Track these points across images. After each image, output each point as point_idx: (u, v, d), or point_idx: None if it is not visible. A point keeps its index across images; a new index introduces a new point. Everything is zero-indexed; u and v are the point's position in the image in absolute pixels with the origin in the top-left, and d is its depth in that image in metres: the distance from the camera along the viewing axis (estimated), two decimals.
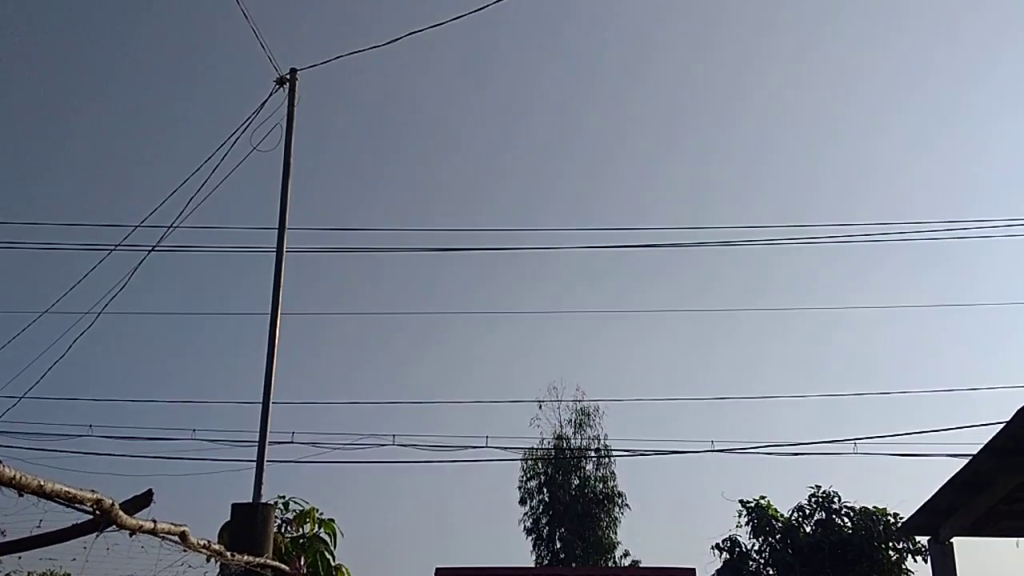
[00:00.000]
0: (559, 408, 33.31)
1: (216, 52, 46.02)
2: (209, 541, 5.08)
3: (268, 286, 11.97)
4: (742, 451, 21.13)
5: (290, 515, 16.12)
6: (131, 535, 3.85)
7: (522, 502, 32.68)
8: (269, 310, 11.81)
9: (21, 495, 2.90)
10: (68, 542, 3.52)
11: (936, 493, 11.63)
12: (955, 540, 12.51)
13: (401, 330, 46.23)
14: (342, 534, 16.53)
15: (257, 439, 11.31)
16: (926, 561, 18.76)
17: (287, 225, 12.19)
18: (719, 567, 22.36)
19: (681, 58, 50.28)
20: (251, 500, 10.54)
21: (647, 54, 49.58)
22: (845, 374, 41.59)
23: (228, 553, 5.81)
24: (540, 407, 32.82)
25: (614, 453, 32.02)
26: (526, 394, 40.08)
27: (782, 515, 22.52)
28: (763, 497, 22.77)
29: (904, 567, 21.47)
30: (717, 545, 22.56)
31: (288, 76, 12.64)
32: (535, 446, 32.50)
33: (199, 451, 19.46)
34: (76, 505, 3.30)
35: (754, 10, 47.92)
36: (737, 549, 22.42)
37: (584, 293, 40.90)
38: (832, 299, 46.53)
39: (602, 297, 42.07)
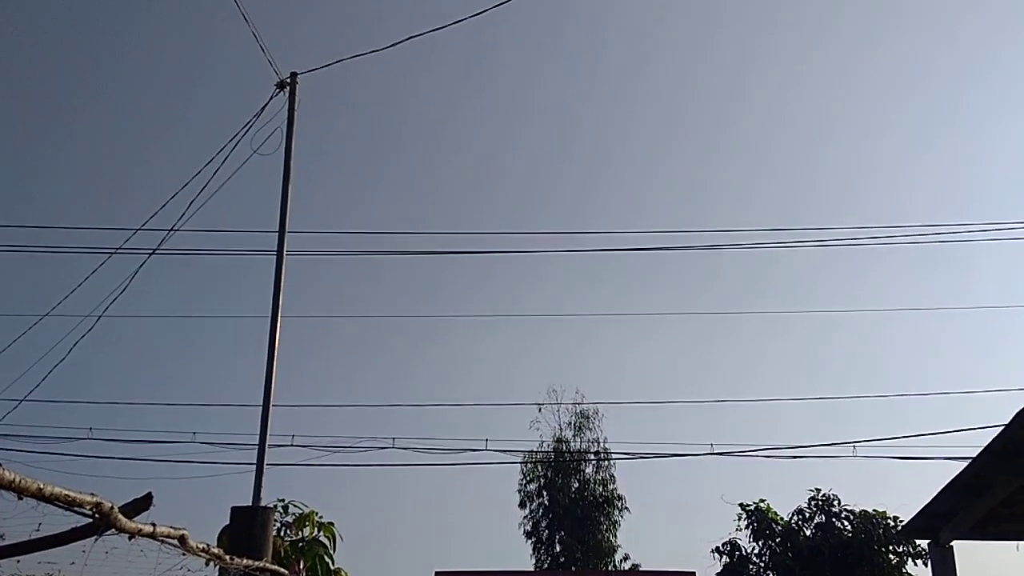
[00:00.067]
0: (559, 411, 33.29)
1: (217, 55, 46.08)
2: (208, 545, 5.07)
3: (268, 289, 11.99)
4: (742, 454, 21.17)
5: (290, 518, 16.13)
6: (130, 539, 3.84)
7: (522, 505, 32.63)
8: (269, 313, 11.82)
9: (20, 498, 2.89)
10: (67, 545, 3.51)
11: (936, 496, 11.60)
12: (955, 543, 12.48)
13: (401, 332, 46.32)
14: (341, 538, 16.53)
15: (257, 442, 11.32)
16: (926, 564, 18.73)
17: (287, 228, 12.21)
18: (719, 570, 22.36)
19: (681, 58, 50.35)
20: (251, 503, 10.54)
21: (647, 54, 49.66)
22: (845, 377, 41.64)
23: (227, 557, 5.80)
24: (540, 410, 32.77)
25: (614, 456, 31.98)
26: (526, 397, 40.18)
27: (782, 518, 22.51)
28: (763, 500, 22.78)
29: (904, 570, 21.46)
30: (717, 548, 22.56)
31: (288, 80, 12.65)
32: (535, 449, 32.54)
33: (199, 454, 19.47)
34: (75, 508, 3.29)
35: (754, 10, 48.00)
36: (737, 552, 22.42)
37: (583, 295, 40.97)
38: (831, 301, 46.64)
39: (601, 299, 42.11)
